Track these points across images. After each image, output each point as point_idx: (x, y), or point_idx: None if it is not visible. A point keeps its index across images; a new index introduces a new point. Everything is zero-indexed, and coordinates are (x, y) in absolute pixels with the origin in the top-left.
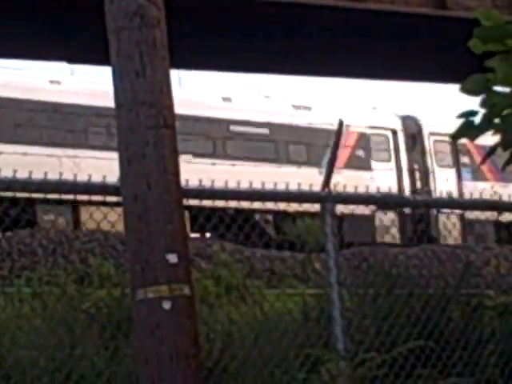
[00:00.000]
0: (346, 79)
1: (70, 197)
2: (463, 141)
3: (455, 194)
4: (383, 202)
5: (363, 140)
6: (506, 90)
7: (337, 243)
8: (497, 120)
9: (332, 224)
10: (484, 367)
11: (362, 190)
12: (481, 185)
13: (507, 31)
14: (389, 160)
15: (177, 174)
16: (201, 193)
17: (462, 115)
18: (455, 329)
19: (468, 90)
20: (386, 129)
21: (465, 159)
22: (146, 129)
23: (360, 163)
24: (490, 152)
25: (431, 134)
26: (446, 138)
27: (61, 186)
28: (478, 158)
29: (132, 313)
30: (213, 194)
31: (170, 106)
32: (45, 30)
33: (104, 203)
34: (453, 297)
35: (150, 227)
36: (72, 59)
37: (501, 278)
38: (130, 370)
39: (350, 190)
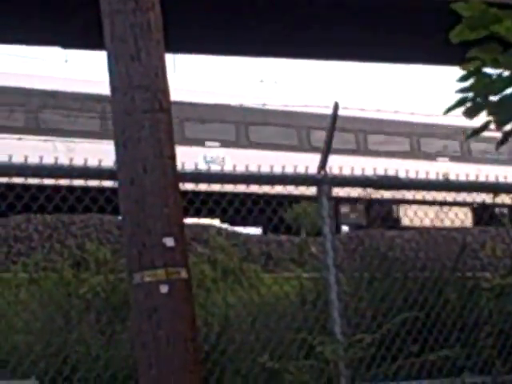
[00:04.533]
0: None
1: None
2: None
3: None
4: (380, 183)
5: None
6: (496, 72)
7: (333, 226)
8: (493, 98)
9: (329, 207)
10: (481, 349)
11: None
12: None
13: (494, 17)
14: None
15: (173, 157)
16: (196, 176)
17: (460, 90)
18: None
19: (463, 79)
20: None
21: None
22: (141, 112)
23: None
24: (477, 131)
25: None
26: None
27: (56, 170)
28: None
29: (129, 297)
30: (209, 177)
31: (165, 90)
32: (38, 15)
33: None
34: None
35: (146, 211)
36: (66, 44)
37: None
38: (127, 354)
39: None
